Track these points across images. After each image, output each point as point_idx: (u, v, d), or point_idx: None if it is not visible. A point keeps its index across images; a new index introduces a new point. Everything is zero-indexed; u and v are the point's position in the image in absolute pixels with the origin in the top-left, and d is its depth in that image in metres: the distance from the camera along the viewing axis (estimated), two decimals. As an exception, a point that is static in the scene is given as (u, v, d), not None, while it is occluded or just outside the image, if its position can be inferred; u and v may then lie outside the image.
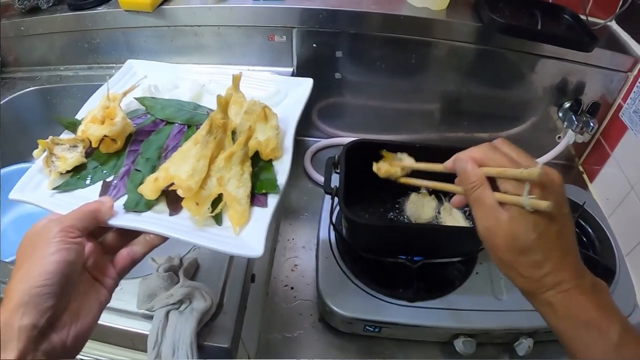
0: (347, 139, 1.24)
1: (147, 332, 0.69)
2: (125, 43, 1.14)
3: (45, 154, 0.58)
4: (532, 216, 0.44)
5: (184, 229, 0.53)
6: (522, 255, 0.45)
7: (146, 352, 0.68)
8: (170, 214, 0.55)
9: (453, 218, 0.90)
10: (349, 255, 0.89)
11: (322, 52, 1.10)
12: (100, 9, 1.09)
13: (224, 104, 0.60)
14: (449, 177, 0.52)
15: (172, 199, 0.55)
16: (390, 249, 0.85)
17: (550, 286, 0.45)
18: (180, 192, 0.53)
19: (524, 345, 0.82)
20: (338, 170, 0.83)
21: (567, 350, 0.47)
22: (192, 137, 0.59)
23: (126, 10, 1.07)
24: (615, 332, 0.43)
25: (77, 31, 1.13)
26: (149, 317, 0.71)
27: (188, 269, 0.75)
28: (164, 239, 0.53)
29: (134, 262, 0.53)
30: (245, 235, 0.53)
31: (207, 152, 0.57)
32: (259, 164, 0.61)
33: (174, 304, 0.70)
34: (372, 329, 0.84)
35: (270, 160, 0.62)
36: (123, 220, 0.53)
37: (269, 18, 1.05)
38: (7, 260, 0.86)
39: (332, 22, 1.04)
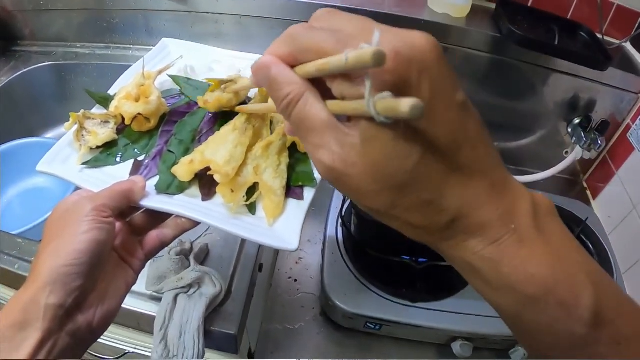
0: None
1: (154, 314, 0.69)
2: (145, 25, 1.14)
3: (76, 127, 0.57)
4: (399, 129, 0.26)
5: (217, 216, 0.51)
6: (401, 196, 0.28)
7: (150, 333, 0.68)
8: (203, 199, 0.54)
9: None
10: (355, 252, 0.90)
11: (340, 50, 1.10)
12: (122, -11, 1.09)
13: (264, 93, 0.59)
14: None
15: (205, 184, 0.54)
16: (397, 248, 0.86)
17: (465, 237, 0.29)
18: (217, 178, 0.52)
19: (519, 353, 0.84)
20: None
21: (520, 342, 0.35)
22: (230, 122, 0.58)
23: (148, -8, 1.07)
24: (586, 305, 0.28)
25: (97, 9, 1.13)
26: (156, 299, 0.72)
27: (199, 254, 0.76)
28: (195, 223, 0.52)
29: (163, 244, 0.52)
30: (279, 227, 0.52)
31: (245, 139, 0.55)
32: (296, 156, 0.60)
33: (183, 287, 0.71)
34: (372, 326, 0.85)
35: (306, 153, 0.60)
36: (155, 201, 0.51)
37: (291, 11, 1.05)
38: (13, 232, 0.86)
39: (353, 21, 1.04)
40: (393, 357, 0.87)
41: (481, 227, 0.29)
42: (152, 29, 1.14)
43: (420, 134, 0.26)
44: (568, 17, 1.09)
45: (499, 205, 0.29)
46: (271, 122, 0.61)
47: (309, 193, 0.55)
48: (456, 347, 0.83)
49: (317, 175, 0.57)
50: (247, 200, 0.53)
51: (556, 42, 1.02)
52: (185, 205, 0.52)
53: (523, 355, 0.83)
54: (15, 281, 0.77)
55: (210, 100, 0.57)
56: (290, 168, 0.57)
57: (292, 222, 0.52)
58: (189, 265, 0.74)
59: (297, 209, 0.54)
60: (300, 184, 0.56)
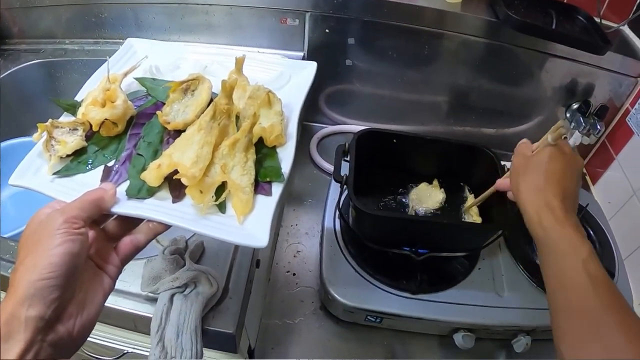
0: (354, 126, 1.24)
1: (150, 315, 0.68)
2: (134, 19, 1.12)
3: (45, 137, 0.57)
4: (549, 150, 0.61)
5: (188, 217, 0.52)
6: (531, 175, 0.61)
7: (148, 334, 0.67)
8: (173, 201, 0.54)
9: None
10: (354, 245, 0.89)
11: (334, 38, 1.08)
12: (110, -17, 1.07)
13: (228, 90, 0.59)
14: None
15: (175, 186, 0.55)
16: (396, 240, 0.85)
17: (544, 203, 0.57)
18: (184, 181, 0.52)
19: (521, 343, 0.83)
20: (347, 158, 0.83)
21: (542, 268, 0.56)
22: (195, 122, 0.58)
23: (136, -15, 1.05)
24: (585, 250, 0.52)
25: (85, 4, 1.11)
26: (153, 300, 0.71)
27: (194, 252, 0.75)
28: (167, 226, 0.52)
29: (137, 249, 0.53)
30: (249, 224, 0.53)
31: (211, 138, 0.56)
32: (263, 151, 0.60)
33: (179, 287, 0.69)
34: (373, 319, 0.84)
35: (274, 147, 0.61)
36: (126, 207, 0.51)
37: (282, 0, 1.03)
38: (5, 235, 0.85)
39: (346, 8, 1.03)
40: (394, 349, 0.86)
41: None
42: (142, 23, 1.11)
43: (556, 156, 0.61)
44: (565, 1, 1.07)
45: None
46: (237, 118, 0.61)
47: (277, 188, 0.56)
48: (458, 338, 0.83)
49: (285, 170, 0.58)
50: (216, 200, 0.53)
51: (553, 27, 1.00)
52: (156, 209, 0.52)
53: (525, 345, 0.82)
54: (7, 285, 0.76)
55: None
56: (258, 163, 0.58)
57: (261, 218, 0.53)
58: (184, 264, 0.72)
59: (266, 205, 0.55)
60: (268, 179, 0.57)
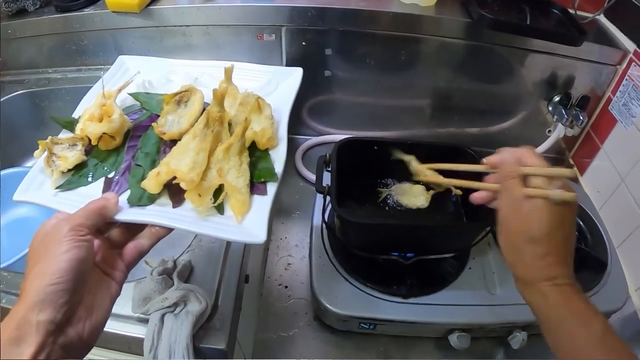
0: (337, 136, 1.24)
1: (143, 336, 0.69)
2: (114, 44, 1.13)
3: (46, 154, 0.59)
4: (550, 212, 0.50)
5: (189, 220, 0.54)
6: (531, 244, 0.51)
7: (141, 355, 0.68)
8: (174, 206, 0.57)
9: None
10: (342, 253, 0.89)
11: (311, 50, 1.09)
12: (88, 11, 1.08)
13: (219, 98, 0.62)
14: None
15: (174, 192, 0.57)
16: (383, 246, 0.85)
17: (546, 277, 0.50)
18: (183, 185, 0.55)
19: (518, 339, 0.83)
20: (329, 169, 0.83)
21: (549, 339, 0.51)
22: (190, 130, 0.61)
23: (113, 12, 1.06)
24: (599, 325, 0.48)
25: (65, 33, 1.12)
26: (145, 321, 0.71)
27: (182, 271, 0.75)
28: (169, 230, 0.55)
29: (142, 254, 0.55)
30: (248, 223, 0.55)
31: (206, 144, 0.58)
32: (256, 154, 0.63)
33: (169, 307, 0.70)
34: (366, 326, 0.84)
35: (266, 150, 0.64)
36: (129, 214, 0.54)
37: (257, 17, 1.05)
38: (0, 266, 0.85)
39: (321, 20, 1.04)
40: (391, 354, 0.86)
41: (555, 277, 0.51)
42: (122, 47, 1.13)
43: (556, 221, 0.51)
44: (539, -5, 1.08)
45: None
46: (230, 125, 0.64)
47: (271, 187, 0.59)
48: (453, 339, 0.83)
49: (278, 170, 0.61)
50: (214, 202, 0.56)
51: (528, 22, 1.01)
52: (158, 214, 0.55)
53: (522, 341, 0.82)
54: (2, 316, 0.76)
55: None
56: (252, 166, 0.61)
57: (258, 217, 0.55)
58: (173, 284, 0.73)
59: (262, 204, 0.57)
60: (262, 180, 0.59)
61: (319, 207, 0.96)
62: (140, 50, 1.12)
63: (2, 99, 1.13)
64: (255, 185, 0.59)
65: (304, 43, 1.08)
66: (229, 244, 0.81)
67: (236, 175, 0.58)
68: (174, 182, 0.55)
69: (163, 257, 0.77)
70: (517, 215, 0.53)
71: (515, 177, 0.54)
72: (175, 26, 1.08)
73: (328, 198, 0.81)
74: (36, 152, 0.60)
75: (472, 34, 1.05)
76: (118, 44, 1.13)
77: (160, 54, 1.12)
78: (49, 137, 0.61)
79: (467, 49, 1.08)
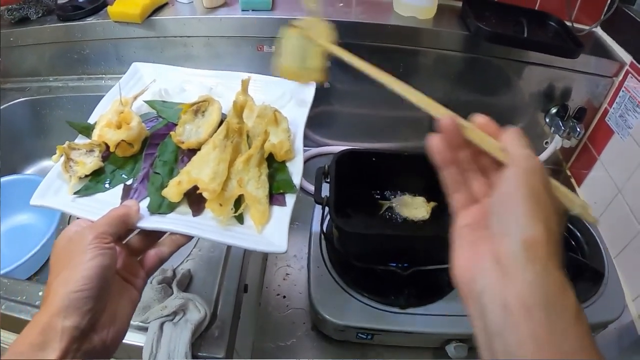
0: (336, 147, 1.25)
1: (142, 344, 0.69)
2: (115, 54, 1.14)
3: (63, 159, 0.60)
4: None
5: (210, 229, 0.55)
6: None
7: (140, 363, 0.68)
8: (194, 215, 0.57)
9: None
10: (340, 264, 0.89)
11: (311, 61, 1.10)
12: (90, 20, 1.09)
13: (239, 109, 0.63)
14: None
15: (193, 201, 0.58)
16: (380, 257, 0.86)
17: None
18: (205, 195, 0.55)
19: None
20: (328, 180, 0.84)
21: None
22: (209, 141, 0.61)
23: (115, 22, 1.07)
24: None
25: (67, 42, 1.13)
26: (144, 329, 0.71)
27: (181, 280, 0.76)
28: (189, 238, 0.55)
29: (162, 261, 0.56)
30: (268, 232, 0.56)
31: (226, 155, 0.59)
32: (274, 166, 0.64)
33: (168, 315, 0.70)
34: (364, 337, 0.84)
35: (283, 162, 0.65)
36: (151, 222, 0.55)
37: (258, 28, 1.06)
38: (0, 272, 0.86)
39: (320, 32, 1.05)
40: (388, 364, 0.87)
41: None
42: (123, 57, 1.14)
43: None
44: (536, 8, 1.09)
45: None
46: (247, 136, 0.65)
47: (290, 199, 0.60)
48: (450, 349, 0.83)
49: (296, 182, 0.62)
50: (235, 212, 0.57)
51: (525, 35, 1.02)
52: (180, 222, 0.55)
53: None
54: (2, 322, 0.77)
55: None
56: (271, 177, 0.61)
57: (278, 227, 0.56)
58: (172, 293, 0.73)
59: (281, 215, 0.58)
60: (281, 191, 0.60)
61: (318, 218, 0.97)
62: (142, 60, 1.10)
63: (3, 106, 1.14)
64: (274, 197, 0.60)
65: (303, 54, 1.09)
66: (228, 253, 0.82)
67: (256, 186, 0.59)
68: (197, 192, 0.56)
69: (163, 267, 0.77)
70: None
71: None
72: (176, 37, 1.09)
73: (327, 209, 0.82)
74: (54, 157, 0.61)
75: (470, 46, 1.06)
76: (119, 54, 1.14)
77: (161, 63, 1.13)
78: (67, 142, 0.61)
79: (464, 61, 1.09)
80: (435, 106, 0.47)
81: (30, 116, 1.18)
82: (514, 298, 0.33)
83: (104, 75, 1.18)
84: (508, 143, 0.40)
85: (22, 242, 1.06)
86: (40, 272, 1.00)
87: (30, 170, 1.22)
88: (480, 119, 0.44)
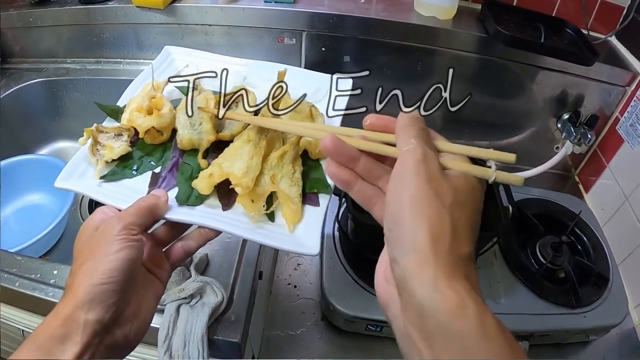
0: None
1: (157, 325, 0.70)
2: (135, 39, 1.15)
3: (90, 142, 0.57)
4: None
5: (240, 225, 0.53)
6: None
7: (155, 345, 0.69)
8: (224, 209, 0.55)
9: None
10: (353, 256, 0.90)
11: (330, 56, 1.11)
12: (111, 4, 1.10)
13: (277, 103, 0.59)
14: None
15: (223, 194, 0.56)
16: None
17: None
18: (238, 190, 0.53)
19: (523, 345, 0.84)
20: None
21: None
22: (243, 133, 0.59)
23: (137, 6, 1.08)
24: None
25: (86, 25, 1.13)
26: (159, 311, 0.72)
27: (199, 264, 0.76)
28: (217, 232, 0.53)
29: (188, 255, 0.54)
30: (300, 233, 0.54)
31: (259, 150, 0.57)
32: (308, 163, 0.61)
33: (185, 298, 0.71)
34: (373, 329, 0.85)
35: (318, 160, 0.62)
36: (179, 214, 0.53)
37: (279, 20, 1.07)
38: (11, 250, 0.86)
39: (341, 27, 1.06)
40: (396, 358, 0.88)
41: None
42: (142, 43, 1.14)
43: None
44: (553, 15, 1.10)
45: None
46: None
47: (324, 199, 0.57)
48: (457, 344, 0.84)
49: (330, 182, 0.58)
50: (267, 209, 0.54)
51: (542, 40, 1.03)
52: (209, 216, 0.53)
53: (525, 349, 0.84)
54: (15, 299, 0.77)
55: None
56: (304, 175, 0.59)
57: (310, 228, 0.54)
58: (190, 276, 0.74)
59: (314, 215, 0.55)
60: (315, 190, 0.57)
61: (332, 209, 0.97)
62: (161, 46, 1.10)
63: (19, 86, 1.14)
64: (307, 195, 0.57)
65: (323, 49, 1.10)
66: (244, 240, 0.82)
67: (289, 183, 0.56)
68: (230, 187, 0.53)
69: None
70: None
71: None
72: (197, 24, 1.09)
73: (344, 200, 0.83)
74: (81, 140, 0.58)
75: (487, 48, 1.07)
76: (139, 39, 1.14)
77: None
78: (94, 125, 0.59)
79: (481, 63, 1.10)
80: (320, 131, 0.49)
81: (46, 97, 1.18)
82: (411, 329, 0.35)
83: (122, 60, 1.18)
84: (396, 138, 0.41)
85: (34, 221, 1.07)
86: (50, 252, 1.01)
87: (44, 151, 1.23)
88: (371, 119, 0.46)
